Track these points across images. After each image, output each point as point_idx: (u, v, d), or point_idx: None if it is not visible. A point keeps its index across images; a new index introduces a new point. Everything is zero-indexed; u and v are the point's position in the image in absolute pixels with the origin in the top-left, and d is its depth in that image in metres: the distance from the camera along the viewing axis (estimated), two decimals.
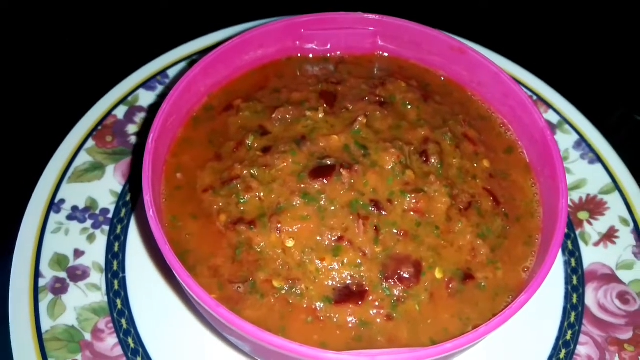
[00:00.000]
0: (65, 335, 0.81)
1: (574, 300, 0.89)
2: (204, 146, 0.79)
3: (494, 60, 1.18)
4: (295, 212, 0.69)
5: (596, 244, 0.95)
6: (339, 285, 0.67)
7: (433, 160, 0.75)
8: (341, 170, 0.71)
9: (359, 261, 0.67)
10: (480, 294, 0.69)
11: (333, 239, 0.68)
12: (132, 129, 1.04)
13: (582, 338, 0.85)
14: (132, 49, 1.27)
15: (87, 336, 0.82)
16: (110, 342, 0.82)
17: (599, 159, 1.03)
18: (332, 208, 0.69)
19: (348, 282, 0.67)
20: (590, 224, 0.97)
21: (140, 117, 1.06)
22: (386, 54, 0.92)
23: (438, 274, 0.68)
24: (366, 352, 0.57)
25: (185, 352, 0.81)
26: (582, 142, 1.06)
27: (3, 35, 1.28)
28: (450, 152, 0.77)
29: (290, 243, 0.68)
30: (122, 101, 1.07)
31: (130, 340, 0.82)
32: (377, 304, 0.66)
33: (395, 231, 0.69)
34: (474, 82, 0.88)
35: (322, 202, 0.69)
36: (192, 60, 1.14)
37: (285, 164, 0.72)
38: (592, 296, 0.89)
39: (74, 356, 0.79)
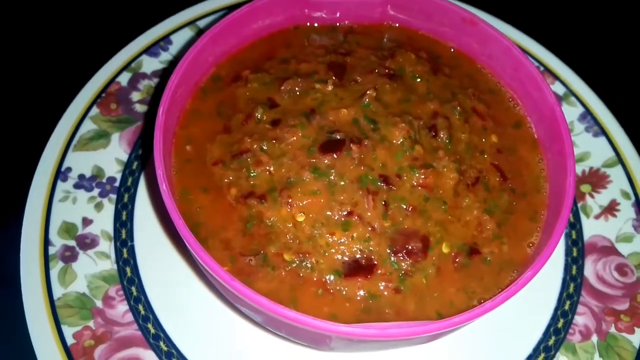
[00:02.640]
0: (76, 302, 0.83)
1: (574, 272, 0.91)
2: (213, 118, 0.79)
3: (503, 31, 1.17)
4: (305, 187, 0.69)
5: (597, 217, 0.96)
6: (348, 259, 0.68)
7: (442, 135, 0.75)
8: (351, 145, 0.71)
9: (368, 236, 0.68)
10: (485, 269, 0.70)
11: (343, 213, 0.69)
12: (136, 96, 1.04)
13: (580, 308, 0.88)
14: (134, 14, 1.24)
15: (98, 303, 0.83)
16: (121, 309, 0.84)
17: (603, 132, 1.04)
18: (342, 183, 0.70)
19: (357, 256, 0.68)
20: (592, 196, 0.98)
21: (144, 83, 1.05)
22: (396, 24, 0.91)
23: (445, 249, 0.70)
24: (376, 325, 0.59)
25: (195, 319, 0.83)
26: (588, 114, 1.06)
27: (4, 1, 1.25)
28: (459, 126, 0.77)
29: (300, 217, 0.69)
30: (126, 67, 1.06)
31: (140, 307, 0.84)
32: (385, 277, 0.67)
33: (403, 206, 0.70)
34: (484, 55, 0.87)
35: (331, 177, 0.70)
36: (196, 25, 1.12)
37: (294, 138, 0.72)
38: (591, 268, 0.92)
39: (86, 322, 0.81)
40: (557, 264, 0.92)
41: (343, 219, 0.69)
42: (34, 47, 1.20)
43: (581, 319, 0.87)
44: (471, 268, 0.70)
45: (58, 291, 0.83)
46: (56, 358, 0.77)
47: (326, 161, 0.71)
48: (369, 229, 0.68)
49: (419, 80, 0.81)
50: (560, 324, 0.86)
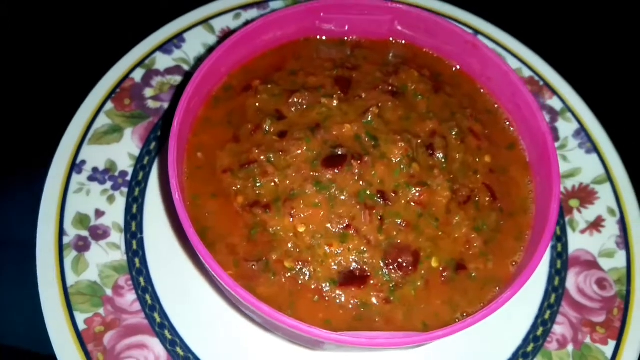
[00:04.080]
0: (88, 290, 0.88)
1: (556, 283, 0.97)
2: (223, 126, 0.84)
3: (506, 42, 1.21)
4: (307, 199, 0.74)
5: (583, 232, 1.01)
6: (344, 269, 0.73)
7: (438, 155, 0.80)
8: (352, 161, 0.76)
9: (363, 248, 0.73)
10: (470, 284, 0.76)
11: (341, 226, 0.74)
12: (149, 92, 1.08)
13: (559, 318, 0.94)
14: (149, 11, 1.28)
15: (109, 292, 0.89)
16: (129, 298, 0.89)
17: (595, 149, 1.08)
18: (342, 197, 0.75)
19: (352, 267, 0.73)
20: (580, 211, 1.03)
21: (157, 80, 1.09)
22: (402, 41, 0.94)
23: (434, 263, 0.75)
24: (365, 334, 0.64)
25: (198, 311, 0.89)
26: (582, 131, 1.10)
27: None
28: (455, 146, 0.82)
29: (301, 228, 0.74)
30: (140, 64, 1.10)
31: (147, 297, 0.90)
32: (377, 288, 0.73)
33: (398, 221, 0.75)
34: (484, 76, 0.91)
35: (332, 191, 0.75)
36: (208, 24, 1.16)
37: (299, 152, 0.77)
38: (572, 280, 0.97)
39: (96, 310, 0.87)
40: (541, 274, 0.97)
41: (341, 231, 0.74)
42: (53, 43, 1.23)
43: (559, 328, 0.93)
44: (457, 282, 0.75)
45: (71, 279, 0.89)
46: (69, 342, 0.83)
47: (328, 175, 0.75)
48: (365, 241, 0.73)
49: (420, 98, 0.86)
50: (539, 332, 0.92)
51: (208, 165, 0.80)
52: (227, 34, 1.16)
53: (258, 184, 0.76)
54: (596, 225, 1.02)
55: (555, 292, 0.96)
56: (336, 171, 0.75)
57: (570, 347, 0.91)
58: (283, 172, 0.76)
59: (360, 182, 0.75)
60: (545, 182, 0.79)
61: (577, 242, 1.01)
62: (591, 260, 0.99)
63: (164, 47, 1.12)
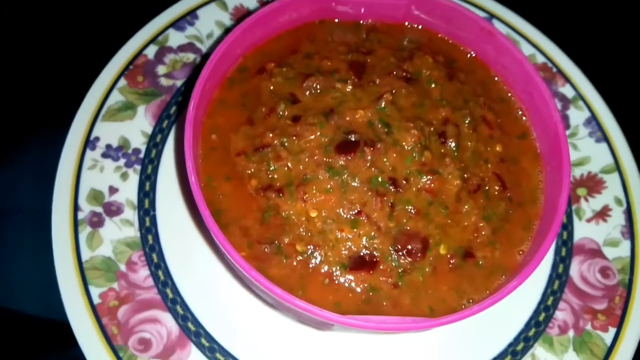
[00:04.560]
0: (103, 265, 0.91)
1: (560, 270, 0.98)
2: (238, 108, 0.84)
3: (521, 27, 1.20)
4: (319, 185, 0.75)
5: (589, 220, 1.03)
6: (354, 254, 0.75)
7: (450, 143, 0.81)
8: (364, 147, 0.76)
9: (373, 234, 0.75)
10: (477, 271, 0.77)
11: (352, 212, 0.75)
12: (161, 69, 1.08)
13: (562, 304, 0.96)
14: None
15: (122, 267, 0.91)
16: (142, 274, 0.91)
17: (605, 138, 1.09)
18: (353, 183, 0.76)
19: (362, 252, 0.75)
20: (587, 200, 1.04)
21: (169, 57, 1.09)
22: (418, 26, 0.94)
23: (442, 250, 0.76)
24: (375, 318, 0.67)
25: (209, 287, 0.91)
26: (593, 119, 1.10)
27: None
28: (467, 134, 0.83)
29: (313, 213, 0.75)
30: (153, 41, 1.10)
31: (160, 273, 0.92)
32: (386, 273, 0.75)
33: (408, 208, 0.76)
34: (498, 64, 0.91)
35: (344, 177, 0.76)
36: (222, 1, 1.15)
37: (313, 136, 0.78)
38: (576, 268, 0.99)
39: (110, 284, 0.89)
40: (546, 261, 0.99)
41: (352, 217, 0.75)
42: (67, 20, 1.23)
43: (561, 314, 0.95)
44: (464, 270, 0.77)
45: (86, 254, 0.91)
46: (84, 316, 0.86)
47: (341, 161, 0.76)
48: (375, 228, 0.75)
49: (433, 85, 0.86)
50: (541, 318, 0.94)
51: (222, 147, 0.81)
52: (239, 12, 1.15)
53: (271, 168, 0.78)
54: (602, 214, 1.03)
55: (558, 279, 0.98)
56: (349, 157, 0.76)
57: (571, 333, 0.93)
58: (296, 156, 0.77)
59: (372, 169, 0.76)
60: (555, 172, 0.80)
61: (582, 230, 1.02)
62: (596, 249, 1.00)
63: (177, 24, 1.12)
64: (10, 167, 1.09)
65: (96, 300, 0.88)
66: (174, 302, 0.90)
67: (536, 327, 0.94)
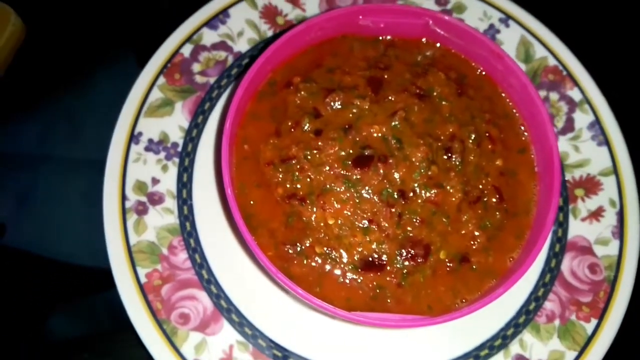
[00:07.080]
0: (148, 249, 1.04)
1: (552, 264, 1.09)
2: (267, 120, 0.94)
3: (535, 28, 1.25)
4: (337, 195, 0.86)
5: (583, 219, 1.12)
6: (365, 257, 0.87)
7: (455, 158, 0.90)
8: (378, 162, 0.87)
9: (382, 240, 0.86)
10: (471, 274, 0.89)
11: (365, 221, 0.86)
12: (196, 67, 1.17)
13: (551, 296, 1.07)
14: None
15: (164, 251, 1.05)
16: (182, 257, 1.05)
17: (607, 142, 1.16)
18: (366, 195, 0.86)
19: (372, 255, 0.87)
20: (584, 200, 1.13)
21: (203, 55, 1.18)
22: (436, 44, 1.01)
23: (442, 255, 0.88)
24: (379, 316, 0.79)
25: (240, 271, 1.03)
26: (597, 124, 1.17)
27: None
28: (471, 150, 0.91)
29: (331, 220, 0.86)
30: (188, 40, 1.18)
31: (197, 257, 1.05)
32: (392, 274, 0.86)
33: (414, 218, 0.87)
34: (505, 82, 0.98)
35: (359, 188, 0.87)
36: (252, 1, 1.22)
37: (332, 150, 0.88)
38: (567, 263, 1.09)
39: (155, 266, 1.03)
40: (540, 256, 1.09)
41: (364, 225, 0.86)
42: (111, 21, 1.32)
43: (550, 305, 1.06)
44: (460, 273, 0.88)
45: (133, 239, 1.04)
46: (133, 293, 1.00)
47: (356, 174, 0.87)
48: (384, 235, 0.86)
49: (444, 103, 0.94)
50: (531, 307, 1.06)
51: (253, 156, 0.92)
52: (268, 10, 1.22)
53: (295, 178, 0.88)
54: (596, 214, 1.12)
55: (550, 273, 1.08)
56: (364, 171, 0.87)
57: (556, 322, 1.05)
58: (317, 168, 0.88)
59: (384, 182, 0.87)
60: (546, 189, 0.89)
61: (576, 228, 1.11)
62: (587, 247, 1.10)
63: (210, 23, 1.20)
64: (40, 116, 1.20)
65: (143, 279, 1.01)
66: (208, 282, 1.03)
67: (526, 315, 1.05)
